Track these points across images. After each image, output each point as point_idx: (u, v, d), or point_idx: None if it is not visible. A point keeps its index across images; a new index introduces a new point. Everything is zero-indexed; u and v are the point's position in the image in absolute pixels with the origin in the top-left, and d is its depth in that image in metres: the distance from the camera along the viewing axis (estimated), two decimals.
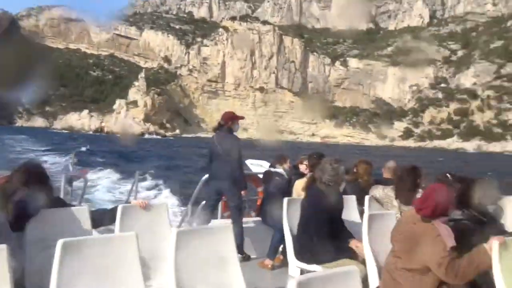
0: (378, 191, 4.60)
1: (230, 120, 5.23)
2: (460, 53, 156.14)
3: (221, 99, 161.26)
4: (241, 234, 4.98)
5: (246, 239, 5.17)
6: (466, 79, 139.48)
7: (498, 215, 4.11)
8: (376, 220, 3.56)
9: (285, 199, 4.31)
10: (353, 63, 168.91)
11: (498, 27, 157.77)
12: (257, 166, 7.17)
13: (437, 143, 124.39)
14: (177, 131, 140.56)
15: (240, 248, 4.72)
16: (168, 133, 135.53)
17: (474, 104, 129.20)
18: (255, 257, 5.10)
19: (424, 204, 2.87)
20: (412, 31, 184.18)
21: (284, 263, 4.54)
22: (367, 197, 4.57)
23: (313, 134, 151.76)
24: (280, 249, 4.84)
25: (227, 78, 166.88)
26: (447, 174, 4.21)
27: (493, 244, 2.70)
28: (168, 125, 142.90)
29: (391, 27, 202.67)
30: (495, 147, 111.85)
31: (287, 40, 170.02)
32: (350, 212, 4.65)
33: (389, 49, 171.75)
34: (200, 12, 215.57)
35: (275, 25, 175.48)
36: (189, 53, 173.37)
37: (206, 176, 5.54)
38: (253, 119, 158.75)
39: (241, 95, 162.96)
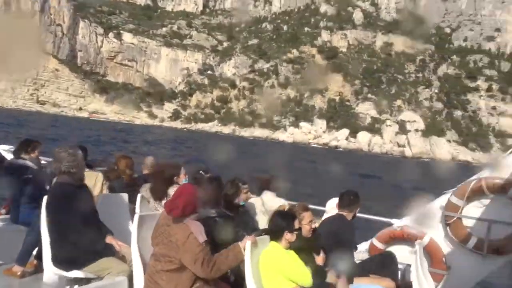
0: (145, 189, 4.48)
1: None
2: (225, 44, 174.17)
3: None
4: None
5: None
6: (228, 69, 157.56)
7: (249, 212, 4.65)
8: (147, 220, 3.43)
9: (45, 197, 3.72)
10: (128, 37, 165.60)
11: (255, 27, 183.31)
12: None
13: (201, 126, 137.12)
14: None
15: None
16: None
17: (233, 93, 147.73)
18: (0, 263, 4.39)
19: (173, 205, 2.99)
20: (187, 16, 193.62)
21: (39, 270, 3.99)
22: (138, 196, 4.40)
23: (80, 108, 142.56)
24: (35, 253, 4.20)
25: None
26: (201, 172, 4.44)
27: (246, 243, 3.08)
28: None
29: (169, 8, 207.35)
30: (245, 132, 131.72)
31: None
32: (121, 211, 4.42)
33: (164, 29, 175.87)
34: None
35: None
36: None
37: None
38: (6, 85, 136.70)
39: None
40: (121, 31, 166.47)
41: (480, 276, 4.94)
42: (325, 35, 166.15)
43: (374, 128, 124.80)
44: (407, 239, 5.08)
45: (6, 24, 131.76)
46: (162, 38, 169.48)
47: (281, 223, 3.27)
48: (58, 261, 3.49)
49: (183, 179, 4.29)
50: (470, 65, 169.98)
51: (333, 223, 4.16)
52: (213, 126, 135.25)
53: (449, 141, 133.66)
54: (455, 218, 4.89)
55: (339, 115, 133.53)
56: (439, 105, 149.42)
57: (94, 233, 3.58)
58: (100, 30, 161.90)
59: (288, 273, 3.16)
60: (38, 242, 3.89)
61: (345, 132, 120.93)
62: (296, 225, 3.32)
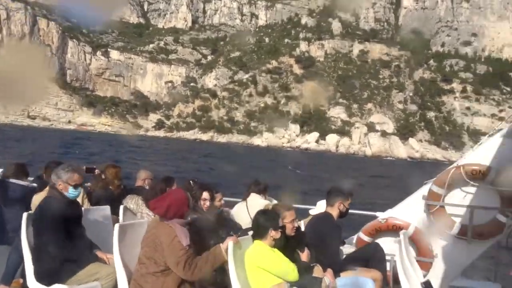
0: (131, 201, 4.55)
1: None
2: (209, 57, 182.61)
3: None
4: None
5: None
6: (210, 81, 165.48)
7: (232, 216, 5.01)
8: (128, 230, 3.51)
9: (24, 214, 3.71)
10: (115, 54, 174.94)
11: (239, 40, 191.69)
12: None
13: (182, 134, 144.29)
14: None
15: None
16: None
17: (213, 102, 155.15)
18: None
19: (157, 204, 3.12)
20: (176, 32, 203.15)
21: (25, 287, 3.83)
22: (121, 207, 4.46)
23: (69, 122, 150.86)
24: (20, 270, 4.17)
25: None
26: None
27: (228, 244, 3.13)
28: None
29: (160, 25, 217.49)
30: (223, 138, 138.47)
31: (42, 22, 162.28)
32: (104, 222, 4.35)
33: (151, 46, 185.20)
34: None
35: (28, 3, 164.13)
36: None
37: None
38: None
39: None
40: (109, 49, 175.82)
41: (466, 261, 4.96)
42: (303, 46, 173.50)
43: (344, 130, 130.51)
44: (392, 230, 5.13)
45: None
46: (148, 54, 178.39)
47: (265, 221, 3.31)
48: (43, 277, 3.45)
49: None
50: (446, 69, 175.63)
51: (318, 221, 4.24)
52: (193, 134, 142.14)
53: (420, 140, 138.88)
54: (437, 207, 4.94)
55: (313, 119, 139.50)
56: (413, 107, 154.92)
57: (78, 247, 3.58)
58: (88, 48, 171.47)
59: (275, 269, 3.20)
60: (22, 260, 3.78)
61: (315, 135, 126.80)
62: (280, 223, 3.36)
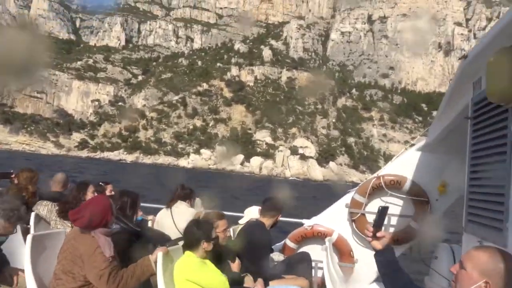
0: (42, 207, 4.12)
1: None
2: (140, 77, 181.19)
3: None
4: None
5: None
6: (138, 101, 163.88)
7: (157, 224, 4.70)
8: (43, 241, 3.14)
9: None
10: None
11: (171, 62, 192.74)
12: None
13: (106, 154, 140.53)
14: None
15: None
16: None
17: (141, 123, 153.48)
18: None
19: (79, 214, 2.83)
20: (108, 50, 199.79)
21: None
22: (32, 214, 4.03)
23: None
24: None
25: None
26: (100, 183, 4.44)
27: (158, 255, 2.92)
28: None
29: (92, 43, 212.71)
30: (149, 159, 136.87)
31: None
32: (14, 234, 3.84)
33: (79, 63, 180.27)
34: None
35: None
36: None
37: None
38: None
39: None
40: None
41: None
42: (234, 70, 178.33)
43: (269, 153, 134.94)
44: (317, 237, 5.32)
45: None
46: (75, 71, 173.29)
47: (197, 232, 3.12)
48: None
49: (90, 196, 4.02)
50: (366, 99, 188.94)
51: (251, 230, 4.16)
52: (118, 154, 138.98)
53: (340, 164, 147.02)
54: (359, 214, 5.18)
55: (240, 142, 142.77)
56: (335, 133, 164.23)
57: None
58: None
59: (205, 282, 3.06)
60: None
61: (240, 157, 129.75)
62: (214, 234, 3.22)
